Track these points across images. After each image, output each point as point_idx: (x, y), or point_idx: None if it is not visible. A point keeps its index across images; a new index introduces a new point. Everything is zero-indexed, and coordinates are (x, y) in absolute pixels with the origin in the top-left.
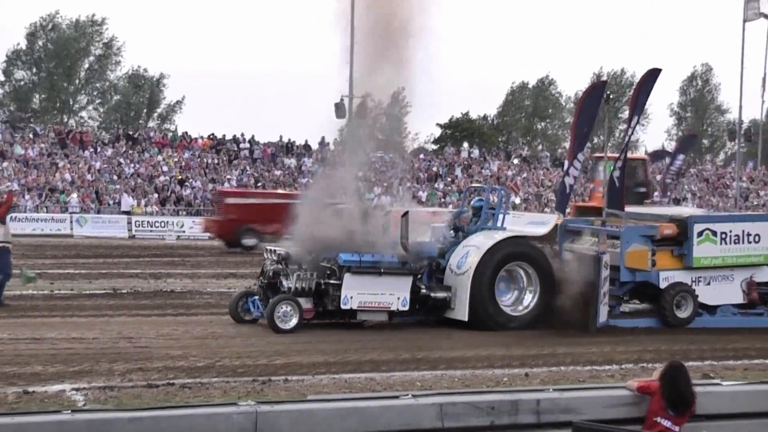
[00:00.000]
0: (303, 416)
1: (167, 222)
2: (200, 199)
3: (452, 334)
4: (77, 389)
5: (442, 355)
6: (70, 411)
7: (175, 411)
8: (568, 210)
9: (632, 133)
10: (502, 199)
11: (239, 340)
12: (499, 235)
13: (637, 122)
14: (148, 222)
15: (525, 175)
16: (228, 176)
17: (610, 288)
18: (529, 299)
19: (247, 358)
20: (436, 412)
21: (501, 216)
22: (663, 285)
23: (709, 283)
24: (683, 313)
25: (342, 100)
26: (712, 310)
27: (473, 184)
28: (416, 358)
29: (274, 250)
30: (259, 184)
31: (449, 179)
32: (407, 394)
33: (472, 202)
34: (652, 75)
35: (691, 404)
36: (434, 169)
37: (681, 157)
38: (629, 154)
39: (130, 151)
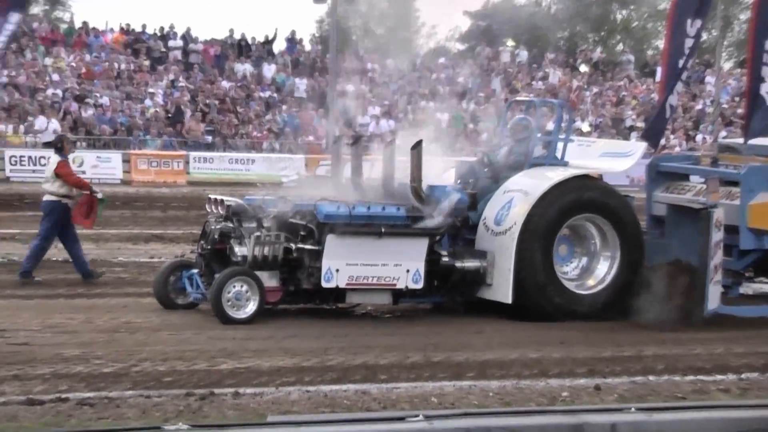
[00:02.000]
0: None
1: None
2: (109, 123)
3: (486, 326)
4: None
5: (470, 357)
6: None
7: None
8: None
9: None
10: (562, 118)
11: (167, 334)
12: (559, 174)
13: None
14: (29, 158)
15: (597, 89)
16: (151, 89)
17: (725, 259)
18: (605, 270)
19: (179, 361)
20: None
21: (561, 144)
22: None
23: None
24: None
25: None
26: None
27: (518, 97)
28: (432, 362)
29: (221, 201)
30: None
31: (483, 95)
32: (417, 415)
33: (511, 122)
34: None
35: None
36: (460, 80)
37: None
38: None
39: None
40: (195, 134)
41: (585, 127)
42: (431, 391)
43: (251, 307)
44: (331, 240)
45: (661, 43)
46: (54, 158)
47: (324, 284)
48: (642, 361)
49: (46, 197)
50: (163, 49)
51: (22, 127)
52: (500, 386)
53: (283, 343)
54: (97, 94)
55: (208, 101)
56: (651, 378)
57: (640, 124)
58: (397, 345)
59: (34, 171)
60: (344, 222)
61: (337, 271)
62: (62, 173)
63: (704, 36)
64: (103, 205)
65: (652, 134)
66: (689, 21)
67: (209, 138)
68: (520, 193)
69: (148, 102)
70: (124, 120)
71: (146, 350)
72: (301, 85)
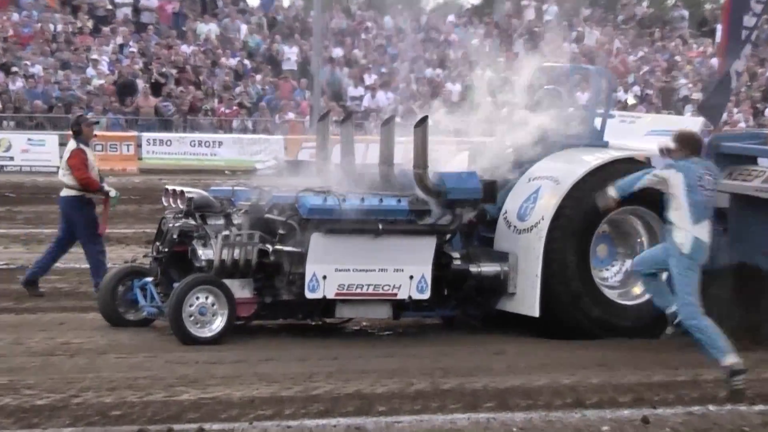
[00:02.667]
0: None
1: None
2: (43, 97)
3: (507, 346)
4: None
5: (488, 383)
6: None
7: None
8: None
9: None
10: (600, 88)
11: (114, 357)
12: (597, 157)
13: None
14: None
15: (643, 52)
16: (94, 56)
17: None
18: None
19: (129, 391)
20: None
21: (599, 120)
22: None
23: None
24: None
25: None
26: None
27: (546, 63)
28: (441, 390)
29: (181, 193)
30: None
31: (502, 59)
32: None
33: (538, 93)
34: None
35: None
36: (474, 41)
37: None
38: None
39: None
40: (148, 111)
41: (629, 99)
42: (441, 426)
43: (218, 324)
44: (316, 240)
45: None
46: (70, 145)
47: (308, 294)
48: (700, 387)
49: (64, 192)
50: (109, 7)
51: None
52: (526, 419)
53: (258, 368)
54: (28, 63)
55: (164, 70)
56: (711, 408)
57: (697, 96)
58: (398, 369)
59: None
60: (333, 218)
61: (324, 278)
62: (72, 165)
63: None
64: (114, 203)
65: (712, 108)
66: None
67: (167, 114)
68: (549, 181)
69: (90, 71)
70: (60, 94)
71: (89, 378)
72: (291, 54)
